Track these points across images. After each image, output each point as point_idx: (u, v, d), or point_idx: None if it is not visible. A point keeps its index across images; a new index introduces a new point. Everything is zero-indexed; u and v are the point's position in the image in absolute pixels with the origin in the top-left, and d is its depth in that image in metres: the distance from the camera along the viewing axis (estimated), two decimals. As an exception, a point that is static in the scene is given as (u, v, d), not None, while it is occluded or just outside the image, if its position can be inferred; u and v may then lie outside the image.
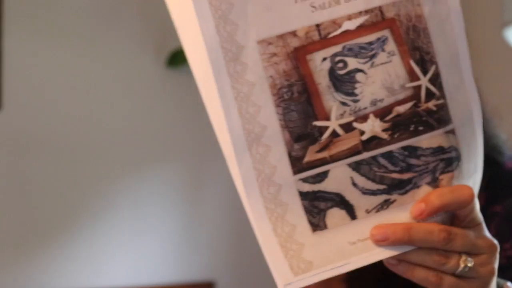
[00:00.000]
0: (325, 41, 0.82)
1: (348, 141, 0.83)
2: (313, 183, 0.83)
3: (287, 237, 0.85)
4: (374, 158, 0.83)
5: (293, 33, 0.82)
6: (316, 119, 0.82)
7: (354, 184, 0.83)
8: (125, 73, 2.61)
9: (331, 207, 0.83)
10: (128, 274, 2.59)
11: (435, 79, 0.88)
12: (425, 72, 0.86)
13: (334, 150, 0.82)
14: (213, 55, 0.85)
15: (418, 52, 0.86)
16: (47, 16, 2.50)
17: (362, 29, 0.83)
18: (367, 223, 0.83)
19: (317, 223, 0.83)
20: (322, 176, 0.83)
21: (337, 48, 0.82)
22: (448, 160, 0.85)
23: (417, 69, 0.85)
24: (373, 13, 0.83)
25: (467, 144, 0.87)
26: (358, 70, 0.83)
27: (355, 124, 0.83)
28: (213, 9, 0.85)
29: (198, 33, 0.87)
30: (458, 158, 0.86)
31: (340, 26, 0.82)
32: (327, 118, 0.82)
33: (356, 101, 0.83)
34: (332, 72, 0.82)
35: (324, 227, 0.83)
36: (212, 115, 0.90)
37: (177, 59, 2.60)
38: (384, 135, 0.83)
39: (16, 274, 2.45)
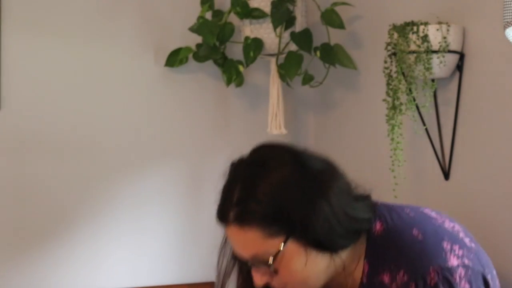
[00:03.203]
0: None
1: None
2: None
3: None
4: None
5: None
6: None
7: None
8: (125, 73, 2.61)
9: None
10: (128, 275, 2.59)
11: None
12: None
13: None
14: None
15: None
16: (46, 16, 2.50)
17: None
18: None
19: None
20: None
21: None
22: None
23: None
24: None
25: None
26: None
27: None
28: None
29: None
30: None
31: None
32: None
33: None
34: None
35: None
36: None
37: (177, 59, 2.60)
38: None
39: (15, 275, 2.45)
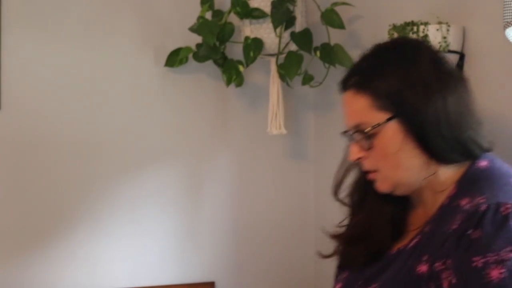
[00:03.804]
0: None
1: None
2: None
3: None
4: None
5: None
6: None
7: None
8: (125, 73, 2.61)
9: None
10: (128, 275, 2.59)
11: None
12: None
13: None
14: None
15: None
16: (46, 16, 2.49)
17: None
18: None
19: None
20: None
21: None
22: None
23: None
24: None
25: None
26: None
27: None
28: None
29: None
30: None
31: None
32: None
33: None
34: None
35: None
36: None
37: (176, 59, 2.60)
38: None
39: (15, 275, 2.45)
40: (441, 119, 1.35)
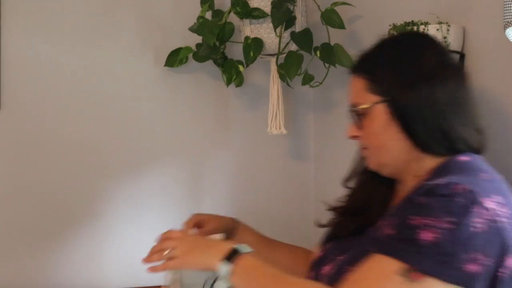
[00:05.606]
0: None
1: None
2: None
3: None
4: None
5: None
6: None
7: None
8: (125, 73, 2.61)
9: None
10: (128, 275, 2.59)
11: None
12: None
13: None
14: None
15: None
16: (46, 16, 2.50)
17: None
18: None
19: None
20: None
21: None
22: None
23: None
24: None
25: None
26: None
27: None
28: None
29: None
30: None
31: None
32: None
33: None
34: None
35: None
36: None
37: (176, 59, 2.60)
38: None
39: (15, 274, 2.45)
40: (424, 107, 1.42)
